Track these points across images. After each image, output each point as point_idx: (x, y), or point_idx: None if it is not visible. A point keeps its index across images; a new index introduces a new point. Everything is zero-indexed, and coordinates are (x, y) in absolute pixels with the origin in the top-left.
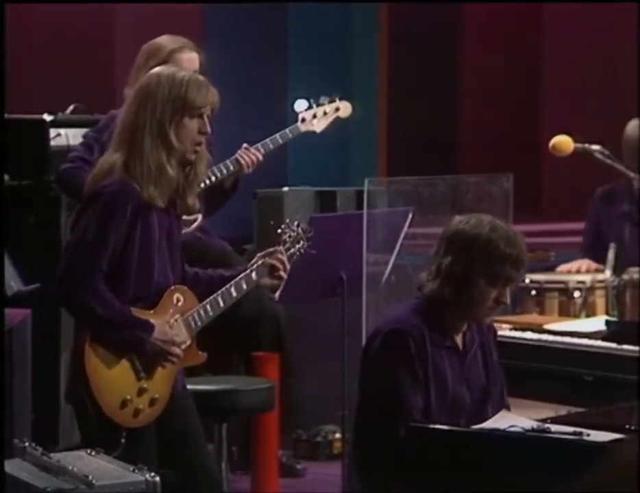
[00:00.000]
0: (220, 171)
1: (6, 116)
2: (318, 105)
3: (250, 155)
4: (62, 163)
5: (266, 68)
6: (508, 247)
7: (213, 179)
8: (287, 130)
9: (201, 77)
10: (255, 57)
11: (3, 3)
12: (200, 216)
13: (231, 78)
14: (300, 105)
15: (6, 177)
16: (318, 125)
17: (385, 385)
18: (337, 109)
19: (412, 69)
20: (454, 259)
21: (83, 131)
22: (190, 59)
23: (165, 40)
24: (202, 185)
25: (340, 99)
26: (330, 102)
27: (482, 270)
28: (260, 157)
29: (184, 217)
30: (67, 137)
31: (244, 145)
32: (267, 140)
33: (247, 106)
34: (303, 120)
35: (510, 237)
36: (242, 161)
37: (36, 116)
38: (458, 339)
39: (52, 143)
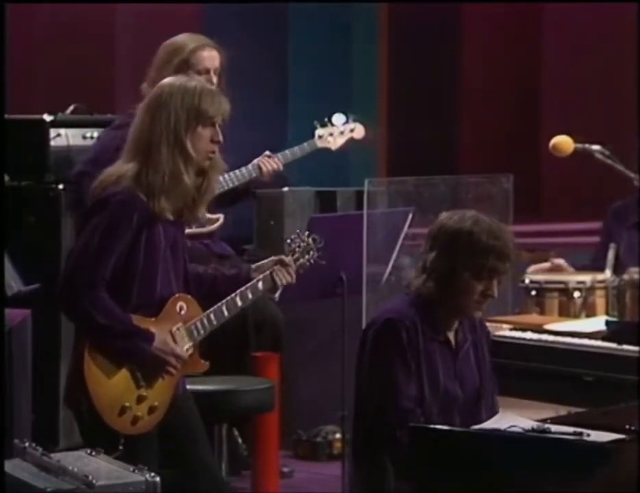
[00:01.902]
0: (242, 174)
1: (6, 116)
2: (332, 125)
3: (272, 163)
4: (62, 163)
5: (266, 69)
6: (491, 239)
7: (234, 180)
8: (305, 144)
9: (212, 87)
10: (255, 57)
11: (3, 3)
12: (222, 217)
13: (230, 78)
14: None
15: (6, 178)
16: (334, 143)
17: (378, 372)
18: (352, 130)
19: (412, 69)
20: (438, 254)
21: (84, 131)
22: (212, 57)
23: (186, 38)
24: (223, 186)
25: (354, 121)
26: (345, 123)
27: (466, 263)
28: (281, 167)
29: (207, 215)
30: (67, 137)
31: (267, 153)
32: (287, 151)
33: (246, 106)
34: (320, 136)
35: (493, 230)
36: (264, 169)
37: (36, 116)
38: (451, 335)
39: (52, 143)
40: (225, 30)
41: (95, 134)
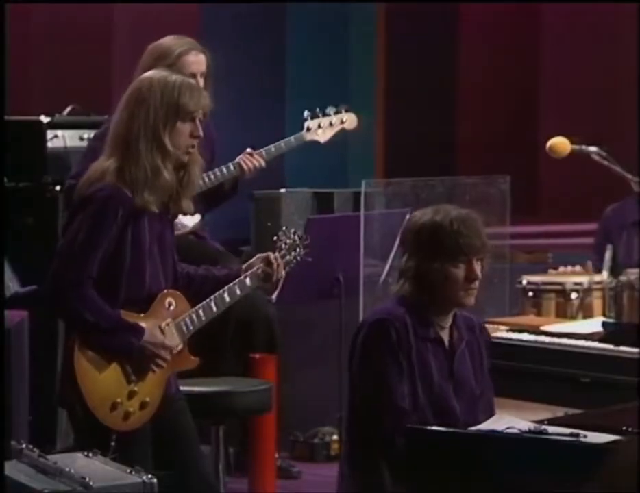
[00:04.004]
0: (222, 173)
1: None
2: (324, 115)
3: (253, 160)
4: (59, 165)
5: (264, 69)
6: (455, 223)
7: (213, 179)
8: (292, 138)
9: (192, 81)
10: (253, 57)
11: (3, 3)
12: (199, 216)
13: (229, 78)
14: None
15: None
16: (323, 135)
17: (370, 374)
18: (343, 121)
19: (409, 70)
20: (409, 254)
21: (81, 132)
22: (198, 61)
23: (172, 42)
24: (201, 185)
25: (347, 111)
26: (336, 113)
27: (435, 252)
28: (263, 164)
29: (181, 217)
30: (64, 138)
31: (248, 150)
32: (271, 146)
33: (244, 106)
34: (309, 129)
35: (456, 215)
36: (244, 167)
37: (33, 118)
38: (444, 335)
39: (49, 144)
40: (223, 29)
41: (92, 136)
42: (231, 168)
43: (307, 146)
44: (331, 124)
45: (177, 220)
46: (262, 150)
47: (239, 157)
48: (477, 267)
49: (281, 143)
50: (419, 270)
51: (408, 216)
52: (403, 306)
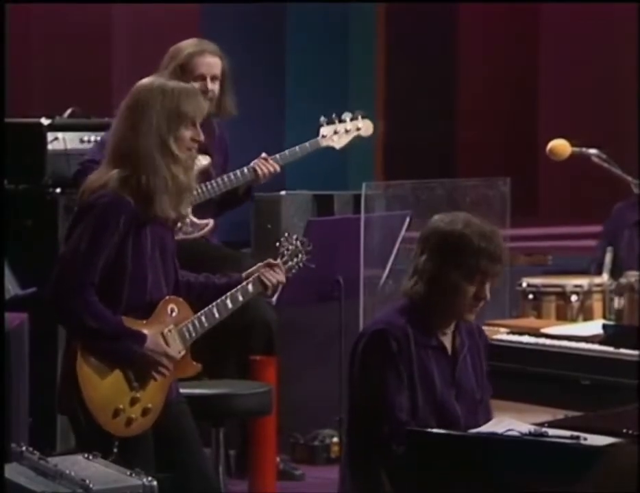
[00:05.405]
0: (236, 177)
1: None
2: (340, 121)
3: (268, 166)
4: (59, 167)
5: (264, 69)
6: (482, 241)
7: (227, 183)
8: (307, 144)
9: (189, 86)
10: (253, 57)
11: (3, 3)
12: (212, 221)
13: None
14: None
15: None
16: (339, 142)
17: (369, 384)
18: (358, 128)
19: (409, 72)
20: (428, 256)
21: (81, 134)
22: (209, 64)
23: (188, 43)
24: (216, 190)
25: (363, 117)
26: (352, 119)
27: (456, 264)
28: (278, 169)
29: (196, 221)
30: (64, 141)
31: (263, 155)
32: (286, 151)
33: (243, 106)
34: (324, 135)
35: (485, 233)
36: (259, 172)
37: (34, 120)
38: (446, 341)
39: (49, 147)
40: (223, 30)
41: (92, 138)
42: (246, 172)
43: None
44: (347, 130)
45: (187, 220)
46: (276, 155)
47: (254, 162)
48: (488, 287)
49: (297, 148)
50: (440, 274)
51: (434, 217)
52: (404, 314)
